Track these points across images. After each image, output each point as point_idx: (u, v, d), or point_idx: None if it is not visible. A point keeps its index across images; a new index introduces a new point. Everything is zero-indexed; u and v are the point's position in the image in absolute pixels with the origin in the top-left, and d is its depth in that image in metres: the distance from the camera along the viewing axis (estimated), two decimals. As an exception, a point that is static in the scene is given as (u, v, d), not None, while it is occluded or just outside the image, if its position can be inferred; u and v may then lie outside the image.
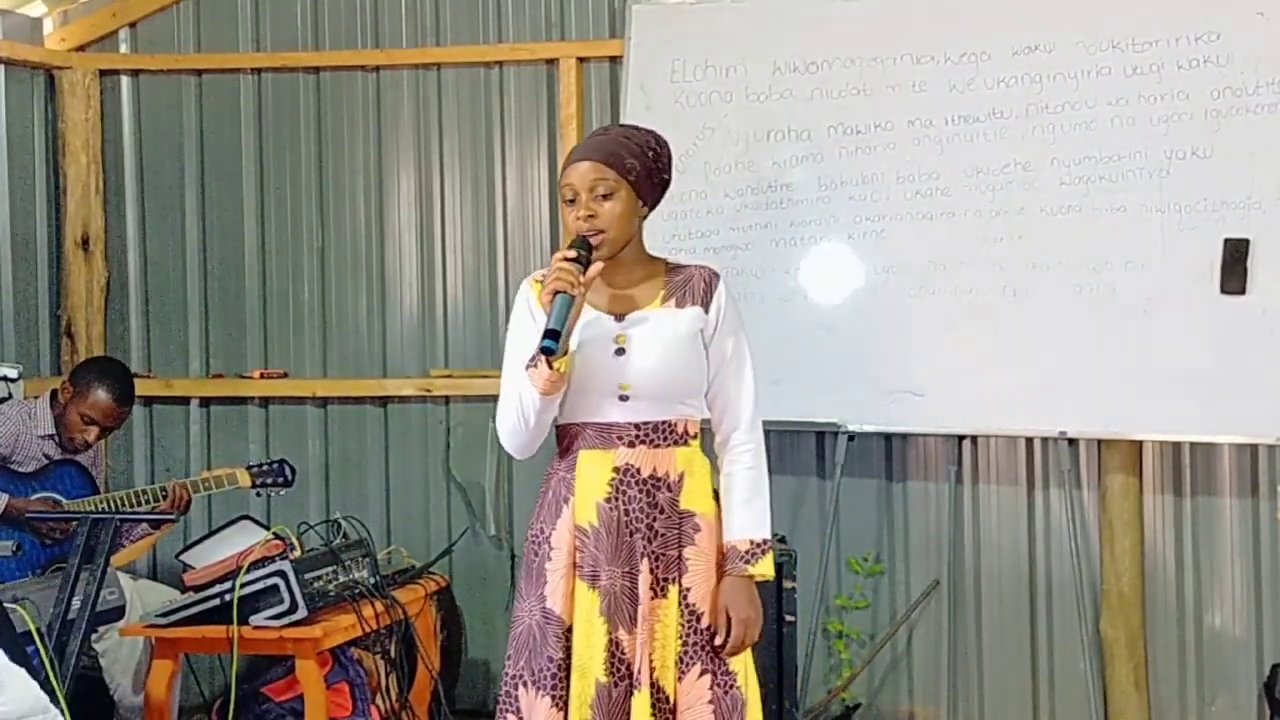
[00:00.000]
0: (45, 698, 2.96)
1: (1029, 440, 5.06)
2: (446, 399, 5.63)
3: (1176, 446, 4.92)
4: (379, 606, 4.54)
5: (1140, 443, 4.86)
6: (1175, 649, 4.97)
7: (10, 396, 5.12)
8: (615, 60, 5.37)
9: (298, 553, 4.48)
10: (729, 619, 3.05)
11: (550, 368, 2.94)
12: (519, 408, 3.03)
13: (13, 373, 5.11)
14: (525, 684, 3.05)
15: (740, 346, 3.15)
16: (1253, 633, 4.90)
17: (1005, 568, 5.13)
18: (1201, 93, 4.55)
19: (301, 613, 4.26)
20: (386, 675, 4.81)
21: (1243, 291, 4.51)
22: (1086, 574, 4.95)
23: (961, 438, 5.10)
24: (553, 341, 2.89)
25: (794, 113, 4.97)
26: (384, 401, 5.69)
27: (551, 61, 5.51)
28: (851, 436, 4.89)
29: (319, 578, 4.39)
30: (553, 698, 3.01)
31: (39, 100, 5.65)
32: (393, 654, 4.81)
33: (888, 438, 5.16)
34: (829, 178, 4.94)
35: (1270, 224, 4.49)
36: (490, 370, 5.56)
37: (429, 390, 5.61)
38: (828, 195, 4.95)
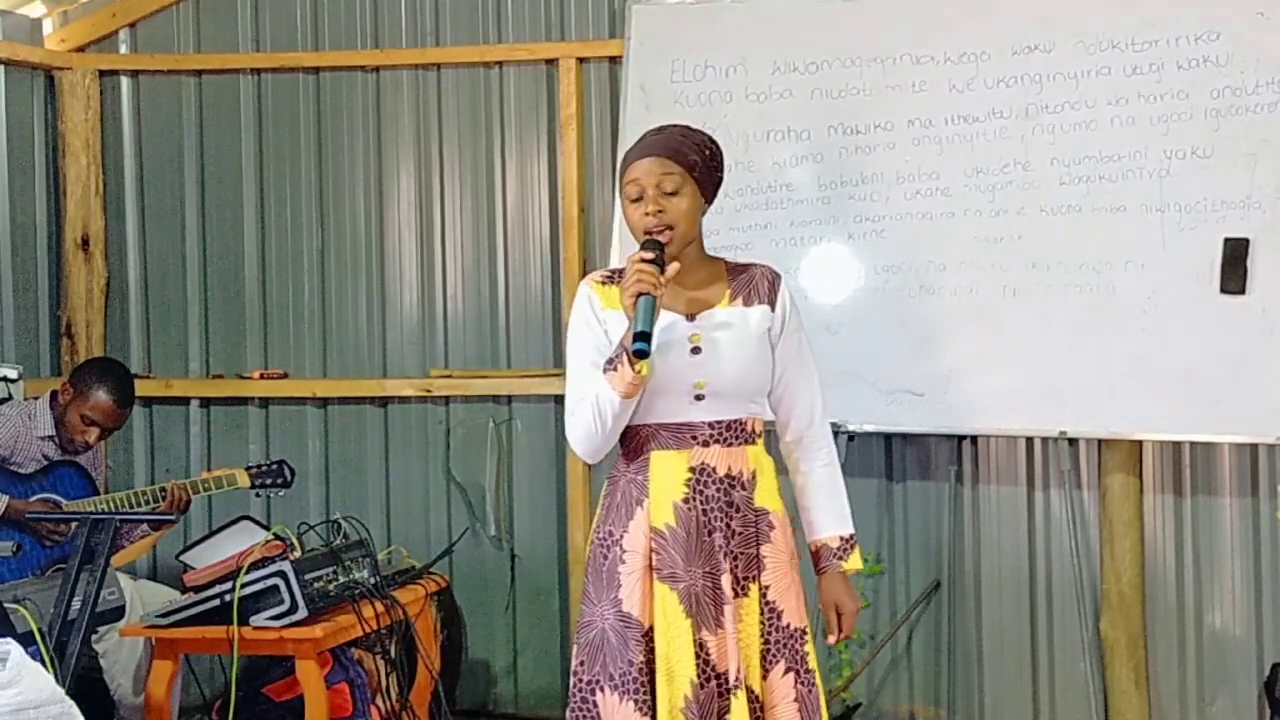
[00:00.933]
0: (60, 690, 2.98)
1: (1029, 440, 5.06)
2: (446, 399, 5.63)
3: (1176, 446, 4.92)
4: (379, 607, 4.54)
5: (1140, 443, 4.86)
6: (1175, 649, 4.98)
7: (10, 397, 5.12)
8: (615, 60, 5.37)
9: (298, 553, 4.49)
10: (838, 614, 3.17)
11: (634, 370, 2.92)
12: (595, 410, 3.01)
13: (13, 373, 5.12)
14: (603, 688, 3.02)
15: (804, 345, 3.20)
16: (1253, 633, 4.90)
17: (1005, 568, 5.13)
18: (1201, 93, 4.55)
19: (302, 613, 4.26)
20: (387, 675, 4.81)
21: (1243, 291, 4.50)
22: (1086, 574, 4.95)
23: (961, 438, 5.10)
24: (645, 344, 2.88)
25: (794, 113, 4.97)
26: (384, 402, 5.69)
27: (551, 61, 5.51)
28: (851, 436, 4.89)
29: (319, 578, 4.39)
30: (636, 701, 2.99)
31: (39, 100, 5.65)
32: (393, 654, 4.81)
33: (888, 438, 5.16)
34: (829, 178, 4.94)
35: (1270, 224, 4.49)
36: (490, 371, 5.57)
37: (429, 390, 5.61)
38: (828, 195, 4.95)
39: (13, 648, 2.97)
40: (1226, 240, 4.51)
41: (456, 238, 5.64)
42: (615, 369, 2.95)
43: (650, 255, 2.97)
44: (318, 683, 4.36)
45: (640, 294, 2.92)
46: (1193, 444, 4.89)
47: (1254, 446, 4.81)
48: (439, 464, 5.65)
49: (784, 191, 5.00)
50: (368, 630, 4.52)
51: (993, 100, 4.76)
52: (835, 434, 4.85)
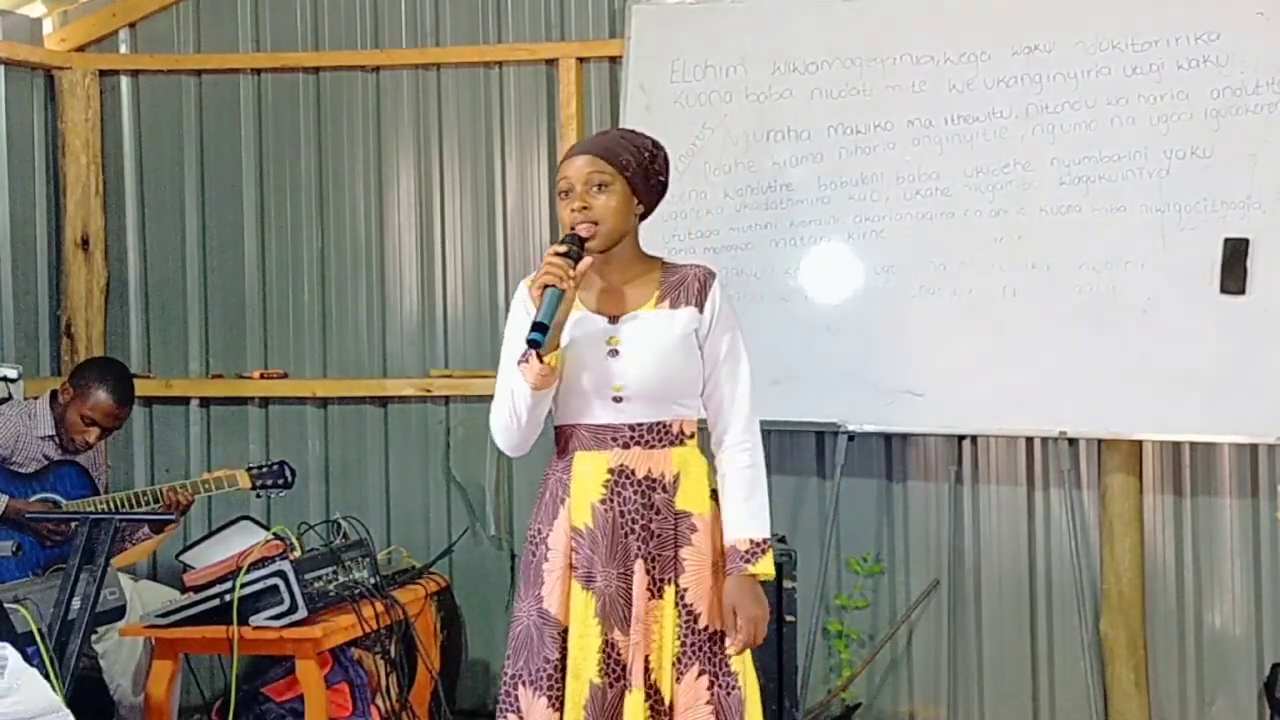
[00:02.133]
0: (58, 699, 2.97)
1: (1029, 440, 5.06)
2: (446, 399, 5.63)
3: (1176, 446, 4.92)
4: (379, 607, 4.54)
5: (1140, 443, 4.86)
6: (1175, 649, 4.97)
7: (10, 397, 5.11)
8: (615, 60, 5.37)
9: (298, 553, 4.49)
10: (736, 619, 3.05)
11: (541, 361, 2.94)
12: (511, 404, 3.05)
13: (13, 373, 5.11)
14: (524, 683, 3.07)
15: (735, 345, 3.15)
16: (1253, 633, 4.90)
17: (1005, 568, 5.13)
18: (1201, 93, 4.55)
19: (301, 613, 4.26)
20: (386, 675, 4.81)
21: (1243, 291, 4.51)
22: (1086, 574, 4.95)
23: (961, 438, 5.10)
24: (540, 335, 2.91)
25: (794, 113, 4.97)
26: (384, 402, 5.69)
27: (551, 61, 5.51)
28: (851, 436, 4.89)
29: (319, 578, 4.39)
30: (549, 698, 3.03)
31: (39, 100, 5.65)
32: (393, 654, 4.81)
33: (888, 438, 5.16)
34: (829, 178, 4.94)
35: (1270, 224, 4.49)
36: (490, 370, 5.55)
37: (429, 390, 5.61)
38: (828, 195, 4.95)
39: (11, 655, 2.96)
40: (1226, 240, 4.51)
41: (456, 238, 5.64)
42: (526, 361, 2.98)
43: (563, 249, 2.99)
44: (318, 683, 4.36)
45: (546, 285, 2.94)
46: (1193, 444, 4.89)
47: (1254, 446, 4.81)
48: (439, 464, 5.65)
49: (784, 191, 5.00)
50: (367, 630, 4.52)
51: (993, 100, 4.76)
52: (835, 434, 4.93)
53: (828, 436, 5.14)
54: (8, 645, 3.03)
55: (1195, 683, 4.96)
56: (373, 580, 4.63)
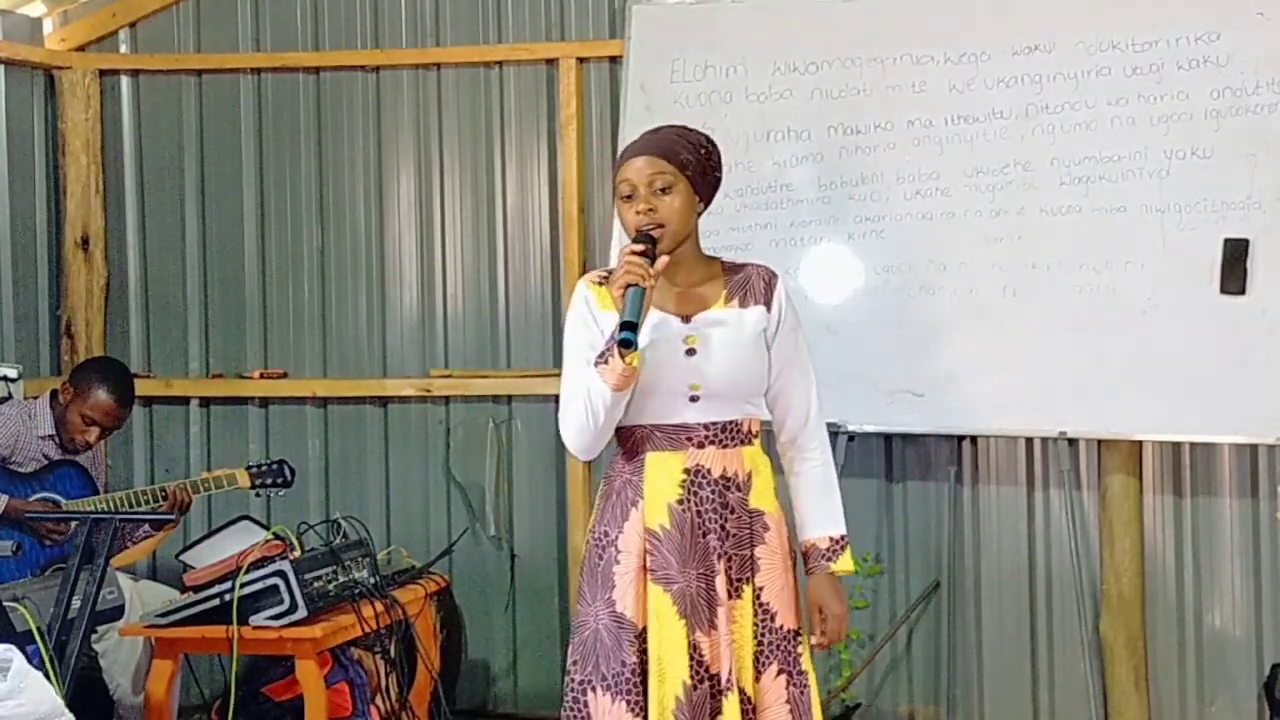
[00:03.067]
0: (60, 702, 2.97)
1: (1029, 440, 5.06)
2: (446, 399, 5.63)
3: (1176, 446, 4.92)
4: (379, 606, 4.54)
5: (1140, 443, 4.85)
6: (1175, 649, 4.97)
7: (10, 396, 5.12)
8: (615, 60, 5.37)
9: (298, 553, 4.49)
10: (822, 615, 3.11)
11: (624, 361, 2.93)
12: (587, 404, 3.01)
13: (13, 373, 5.11)
14: (595, 689, 3.03)
15: (801, 345, 3.19)
16: (1253, 633, 4.90)
17: (1005, 568, 5.13)
18: (1201, 93, 4.55)
19: (301, 613, 4.26)
20: (386, 675, 4.81)
21: (1243, 291, 4.50)
22: (1086, 574, 4.95)
23: (961, 438, 5.10)
24: (631, 333, 2.89)
25: (794, 113, 4.97)
26: (384, 401, 5.69)
27: (551, 61, 5.51)
28: (851, 436, 4.89)
29: (319, 578, 4.39)
30: (629, 702, 3.00)
31: (39, 100, 5.65)
32: (393, 654, 4.81)
33: (888, 438, 5.16)
34: (829, 178, 4.94)
35: (1270, 224, 4.49)
36: (490, 371, 5.57)
37: (429, 390, 5.61)
38: (828, 195, 4.95)
39: (15, 656, 2.96)
40: (1226, 241, 4.51)
41: (456, 238, 5.64)
42: (606, 362, 2.96)
43: (640, 248, 2.98)
44: (317, 682, 4.36)
45: (629, 285, 2.93)
46: (1193, 444, 4.89)
47: (1254, 447, 4.80)
48: (439, 464, 5.65)
49: (784, 191, 5.00)
50: (367, 630, 4.52)
51: (993, 100, 4.76)
52: (835, 434, 4.93)
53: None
54: (12, 647, 3.02)
55: (1195, 683, 4.96)
56: (373, 580, 4.63)
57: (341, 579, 4.49)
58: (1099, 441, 4.89)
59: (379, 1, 5.65)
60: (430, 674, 4.95)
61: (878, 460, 5.22)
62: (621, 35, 5.28)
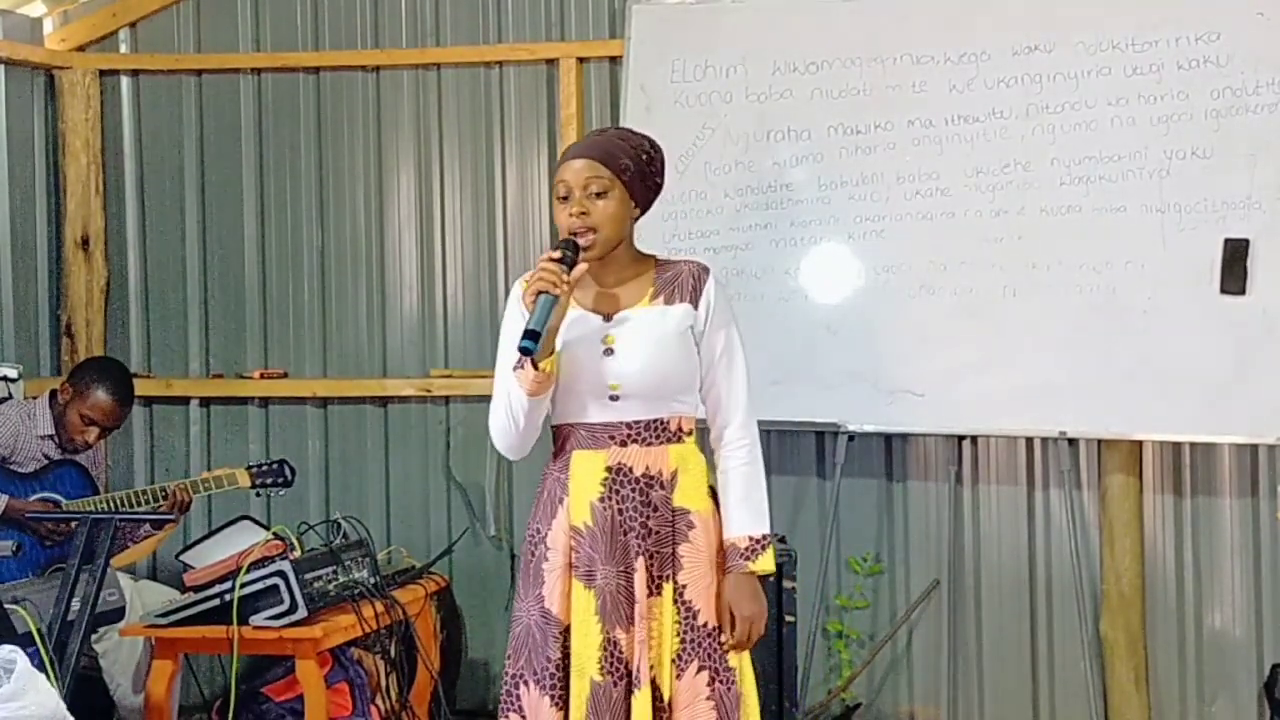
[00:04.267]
0: (63, 707, 2.97)
1: (1029, 440, 5.06)
2: (446, 399, 5.63)
3: (1176, 446, 4.92)
4: (379, 606, 4.54)
5: (1140, 443, 4.86)
6: (1175, 649, 4.97)
7: (10, 396, 5.11)
8: (615, 60, 5.36)
9: (298, 553, 4.48)
10: (733, 616, 3.06)
11: (535, 368, 2.94)
12: (508, 408, 3.05)
13: (13, 373, 5.11)
14: (526, 683, 3.07)
15: (731, 341, 3.15)
16: (1253, 633, 4.90)
17: (1005, 568, 5.13)
18: (1201, 93, 4.55)
19: (301, 613, 4.26)
20: (386, 675, 4.81)
21: (1243, 291, 4.51)
22: (1086, 574, 4.95)
23: (961, 438, 5.10)
24: (531, 342, 2.90)
25: (794, 113, 4.97)
26: (384, 401, 5.69)
27: (551, 61, 5.51)
28: (851, 436, 4.89)
29: (319, 578, 4.39)
30: (552, 697, 3.03)
31: (39, 100, 5.65)
32: (393, 654, 4.81)
33: (888, 438, 5.16)
34: (829, 178, 4.94)
35: (1270, 224, 4.49)
36: (490, 370, 5.55)
37: (429, 390, 5.61)
38: (828, 195, 4.95)
39: (19, 658, 2.96)
40: (1226, 241, 4.51)
41: (456, 238, 5.64)
42: (521, 367, 2.98)
43: (557, 255, 2.98)
44: (317, 682, 4.36)
45: (540, 292, 2.93)
46: (1193, 444, 4.89)
47: (1254, 446, 4.80)
48: (439, 464, 5.65)
49: (784, 191, 5.00)
50: (367, 630, 4.52)
51: (993, 100, 4.76)
52: (835, 434, 4.93)
53: (828, 436, 5.14)
54: (17, 649, 3.02)
55: (1195, 683, 4.96)
56: (373, 580, 4.63)
57: (341, 579, 4.49)
58: (1099, 441, 4.89)
59: (379, 1, 5.65)
60: (430, 674, 4.95)
61: (878, 460, 5.22)
62: (621, 35, 5.28)
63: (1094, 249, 4.65)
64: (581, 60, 5.47)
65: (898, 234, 4.86)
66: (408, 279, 5.68)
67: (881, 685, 5.26)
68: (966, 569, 5.17)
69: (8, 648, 3.01)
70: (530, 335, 2.90)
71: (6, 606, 3.79)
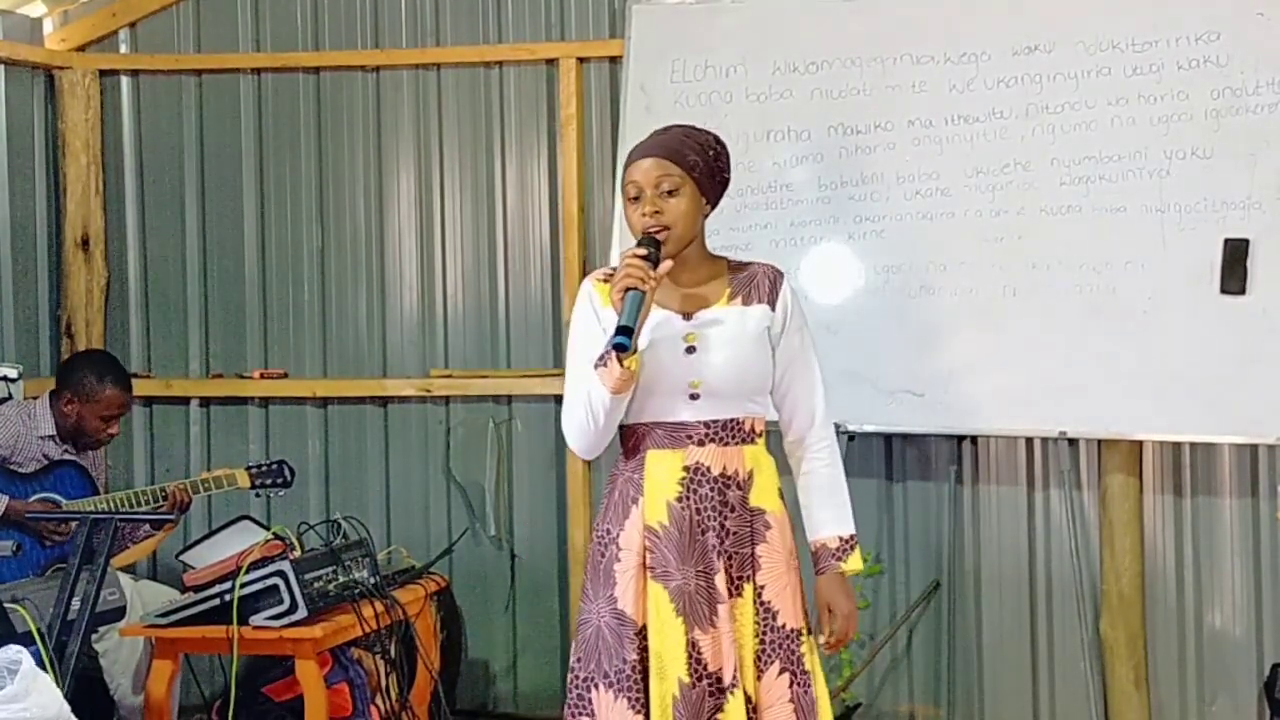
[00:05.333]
0: (67, 706, 2.97)
1: (1029, 440, 5.06)
2: (446, 399, 5.63)
3: (1176, 446, 4.92)
4: (379, 606, 4.54)
5: (1140, 443, 4.86)
6: (1175, 649, 4.97)
7: (10, 397, 5.12)
8: (615, 60, 5.36)
9: (298, 553, 4.49)
10: (831, 615, 3.11)
11: (621, 365, 2.93)
12: (588, 406, 3.02)
13: (13, 373, 5.11)
14: (598, 686, 3.04)
15: (807, 343, 3.18)
16: (1253, 633, 4.90)
17: (1005, 568, 5.13)
18: (1201, 93, 4.55)
19: (301, 613, 4.26)
20: (386, 675, 4.81)
21: (1243, 291, 4.50)
22: (1086, 574, 4.95)
23: (961, 438, 5.10)
24: (626, 338, 2.89)
25: (794, 113, 4.97)
26: (384, 401, 5.69)
27: (551, 61, 5.51)
28: (851, 436, 4.89)
29: (319, 578, 4.39)
30: (629, 699, 3.00)
31: (39, 100, 5.65)
32: (393, 654, 4.81)
33: (888, 438, 5.16)
34: (829, 178, 4.94)
35: (1270, 224, 4.49)
36: (490, 371, 5.57)
37: (429, 390, 5.61)
38: (828, 195, 4.95)
39: (24, 658, 2.95)
40: (1226, 241, 4.51)
41: (456, 238, 5.64)
42: (605, 365, 2.96)
43: (643, 252, 2.98)
44: (317, 682, 4.36)
45: (628, 289, 2.93)
46: (1193, 444, 4.89)
47: (1254, 446, 4.80)
48: (439, 464, 5.65)
49: (784, 191, 5.00)
50: (367, 630, 4.52)
51: (993, 100, 4.76)
52: (835, 434, 4.92)
53: (828, 436, 5.14)
54: (22, 649, 3.02)
55: (1195, 683, 4.96)
56: (373, 580, 4.63)
57: (341, 579, 4.49)
58: (1099, 441, 4.89)
59: (379, 1, 5.65)
60: (430, 674, 4.95)
61: (878, 460, 5.22)
62: (621, 35, 5.28)
63: (1094, 249, 4.65)
64: (581, 60, 5.47)
65: (898, 234, 4.86)
66: (408, 279, 5.68)
67: (881, 685, 5.26)
68: (966, 569, 5.17)
69: (14, 648, 3.01)
70: (624, 331, 2.89)
71: (6, 606, 3.79)
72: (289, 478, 5.03)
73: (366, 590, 4.55)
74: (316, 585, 4.36)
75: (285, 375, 5.73)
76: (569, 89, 5.45)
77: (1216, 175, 4.53)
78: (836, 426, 4.81)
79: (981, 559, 5.15)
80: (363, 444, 5.71)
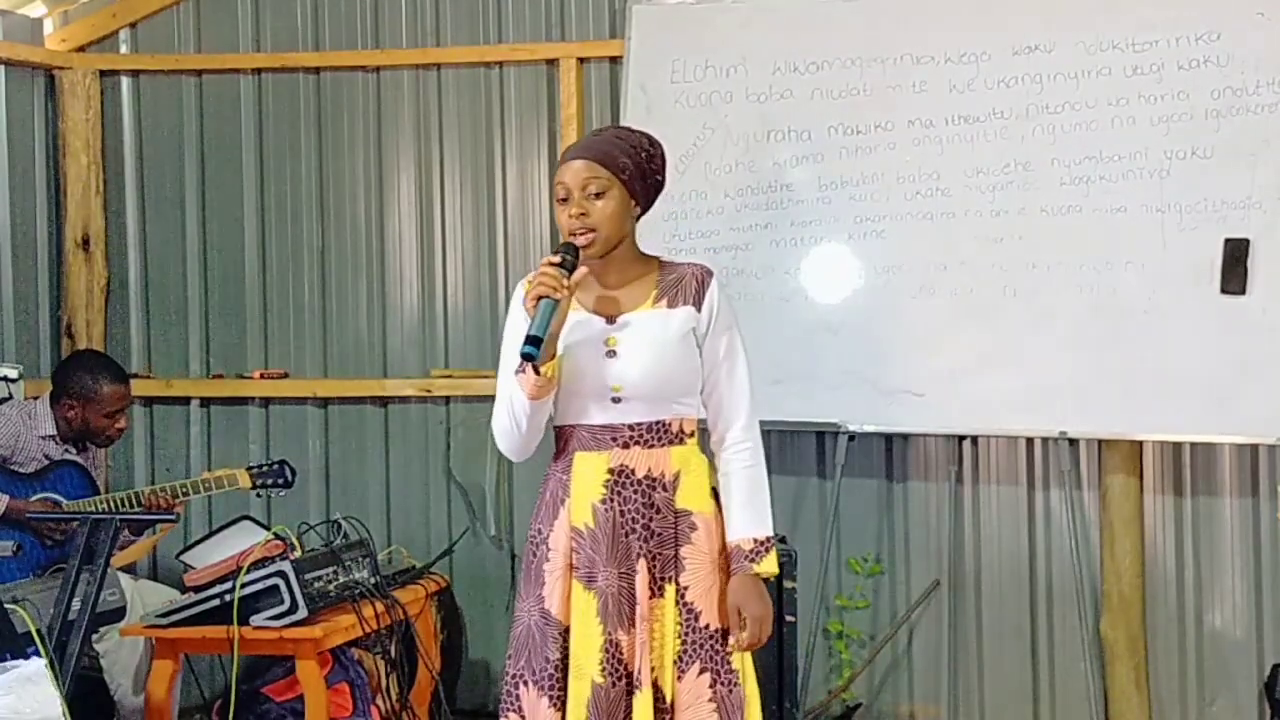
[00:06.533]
0: (62, 709, 2.96)
1: (1029, 440, 5.06)
2: (446, 399, 5.63)
3: (1176, 446, 4.92)
4: (379, 607, 4.54)
5: (1140, 443, 4.86)
6: (1175, 649, 4.98)
7: (10, 397, 5.12)
8: (615, 60, 5.37)
9: (298, 553, 4.49)
10: (742, 617, 3.06)
11: (536, 373, 2.94)
12: (510, 412, 3.06)
13: (13, 373, 5.11)
14: (526, 683, 3.07)
15: (734, 344, 3.15)
16: (1253, 633, 4.90)
17: (1005, 568, 5.13)
18: (1201, 93, 4.55)
19: (302, 613, 4.26)
20: (387, 675, 4.81)
21: (1243, 291, 4.51)
22: (1086, 574, 4.95)
23: (961, 438, 5.10)
24: (533, 348, 2.90)
25: (794, 113, 4.97)
26: (384, 401, 5.69)
27: (551, 61, 5.51)
28: (851, 436, 4.89)
29: (319, 578, 4.39)
30: (551, 698, 3.03)
31: (39, 100, 5.65)
32: (393, 654, 4.81)
33: (888, 438, 5.16)
34: (829, 178, 4.94)
35: (1270, 224, 4.49)
36: (490, 370, 5.55)
37: (429, 390, 5.61)
38: (828, 195, 4.95)
39: (22, 664, 2.94)
40: (1226, 241, 4.51)
41: (456, 238, 5.64)
42: (523, 371, 2.98)
43: (557, 259, 2.99)
44: (318, 683, 4.36)
45: (540, 297, 2.93)
46: (1193, 444, 4.89)
47: (1254, 447, 4.81)
48: (439, 464, 5.65)
49: (784, 191, 5.00)
50: (368, 630, 4.52)
51: (993, 100, 4.76)
52: (835, 434, 4.93)
53: (828, 436, 5.14)
54: (20, 660, 3.01)
55: (1195, 683, 4.97)
56: (373, 580, 4.63)
57: (342, 579, 4.50)
58: (1099, 441, 4.89)
59: (379, 1, 5.65)
60: (431, 674, 4.95)
61: (878, 460, 5.22)
62: (621, 35, 5.28)
63: (1094, 249, 4.65)
64: (581, 60, 5.47)
65: (898, 234, 4.86)
66: (408, 279, 5.68)
67: (881, 685, 5.26)
68: (966, 569, 5.17)
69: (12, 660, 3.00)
70: (532, 341, 2.90)
71: (6, 606, 3.79)
72: (290, 478, 5.03)
73: (367, 590, 4.55)
74: (317, 585, 4.36)
75: (285, 375, 5.73)
76: (569, 89, 5.45)
77: (1216, 175, 4.53)
78: (836, 426, 4.90)
79: (981, 559, 5.15)
80: (363, 444, 5.71)
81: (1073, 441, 4.86)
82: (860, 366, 4.84)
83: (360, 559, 4.63)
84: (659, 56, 5.12)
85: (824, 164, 4.94)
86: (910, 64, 4.86)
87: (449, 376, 5.60)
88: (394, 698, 4.77)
